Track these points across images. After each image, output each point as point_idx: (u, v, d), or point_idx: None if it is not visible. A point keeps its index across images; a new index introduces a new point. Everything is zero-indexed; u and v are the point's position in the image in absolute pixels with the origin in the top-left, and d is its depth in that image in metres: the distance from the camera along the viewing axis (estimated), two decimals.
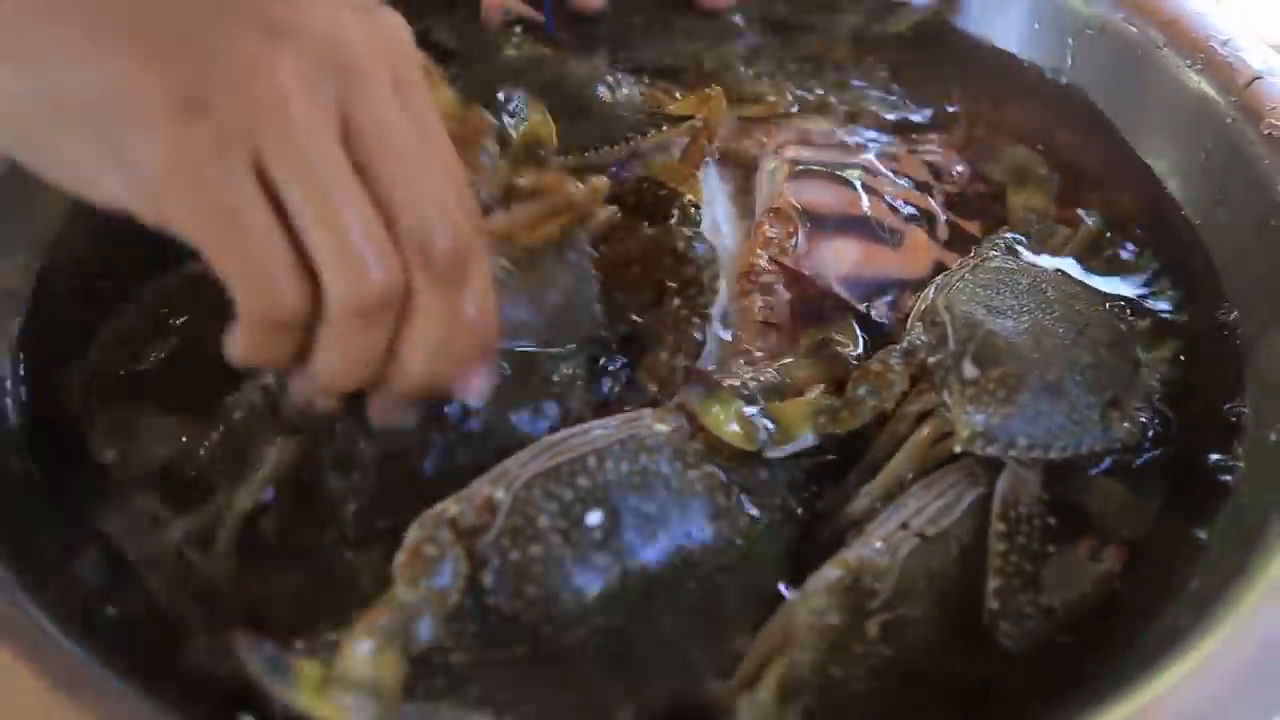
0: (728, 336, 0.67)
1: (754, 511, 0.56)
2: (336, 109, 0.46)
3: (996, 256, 0.65)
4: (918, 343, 0.59)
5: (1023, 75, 0.84)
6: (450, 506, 0.51)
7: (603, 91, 0.75)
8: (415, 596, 0.48)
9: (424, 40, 0.84)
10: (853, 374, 0.59)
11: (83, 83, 0.44)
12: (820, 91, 0.80)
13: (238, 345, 0.49)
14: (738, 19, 0.87)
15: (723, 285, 0.67)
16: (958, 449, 0.55)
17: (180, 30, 0.45)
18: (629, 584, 0.51)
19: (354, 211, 0.46)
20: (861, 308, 0.67)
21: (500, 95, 0.68)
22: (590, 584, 0.51)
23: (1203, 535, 0.58)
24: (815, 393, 0.60)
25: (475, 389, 0.54)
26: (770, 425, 0.57)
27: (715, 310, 0.67)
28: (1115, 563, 0.57)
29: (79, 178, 0.47)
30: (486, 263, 0.52)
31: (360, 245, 0.46)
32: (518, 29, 0.85)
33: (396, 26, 0.51)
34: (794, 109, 0.79)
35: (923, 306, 0.62)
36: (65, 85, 0.45)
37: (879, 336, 0.66)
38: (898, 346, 0.60)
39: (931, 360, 0.59)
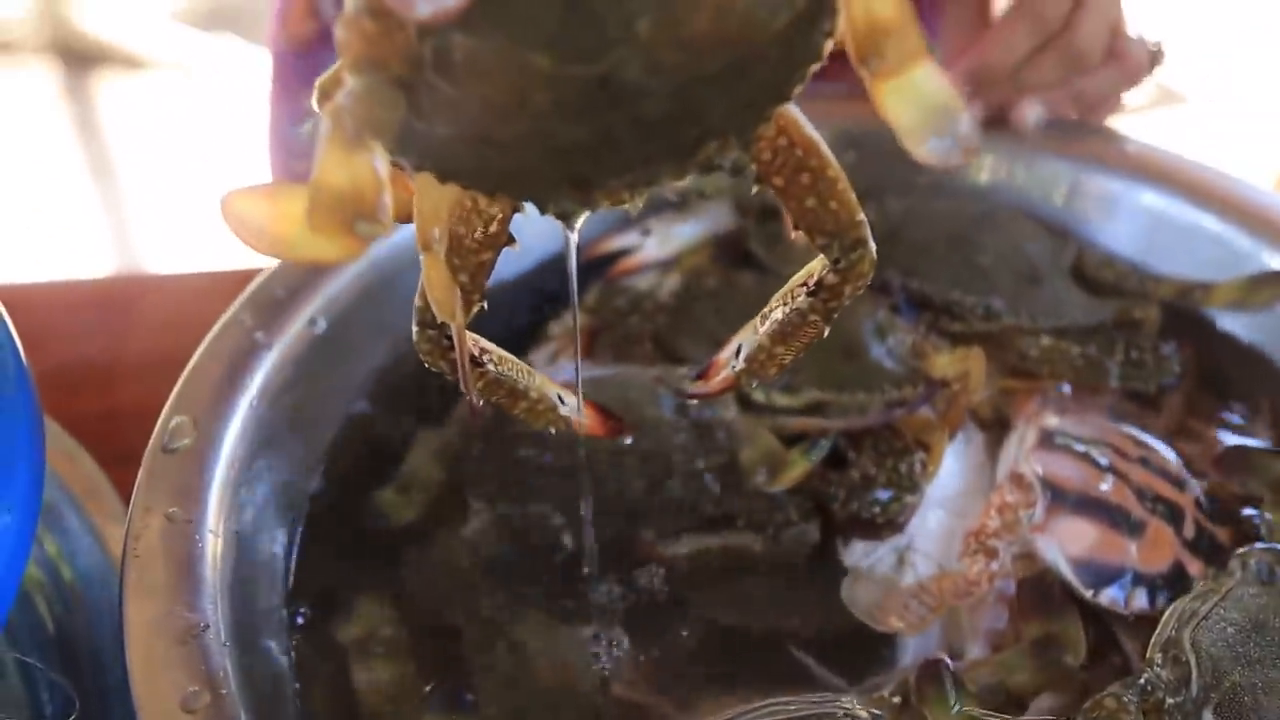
0: (936, 590, 0.67)
1: None
2: None
3: (1248, 585, 0.63)
4: (1157, 681, 0.58)
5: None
6: None
7: (874, 334, 0.76)
8: None
9: (738, 247, 0.88)
10: (1085, 707, 0.57)
11: None
12: (1105, 361, 0.79)
13: None
14: (1041, 262, 0.85)
15: (946, 537, 0.70)
16: None
17: None
18: None
19: None
20: (1088, 594, 0.66)
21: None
22: None
23: None
24: (1043, 701, 0.60)
25: None
26: None
27: (929, 561, 0.69)
28: None
29: None
30: None
31: None
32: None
33: None
34: (1065, 389, 0.77)
35: (1166, 636, 0.60)
36: None
37: (1102, 629, 0.65)
38: (1134, 681, 0.58)
39: (1170, 702, 0.57)
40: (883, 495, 0.69)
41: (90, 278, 1.23)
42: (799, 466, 0.69)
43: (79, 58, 2.76)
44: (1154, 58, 0.88)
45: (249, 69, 2.64)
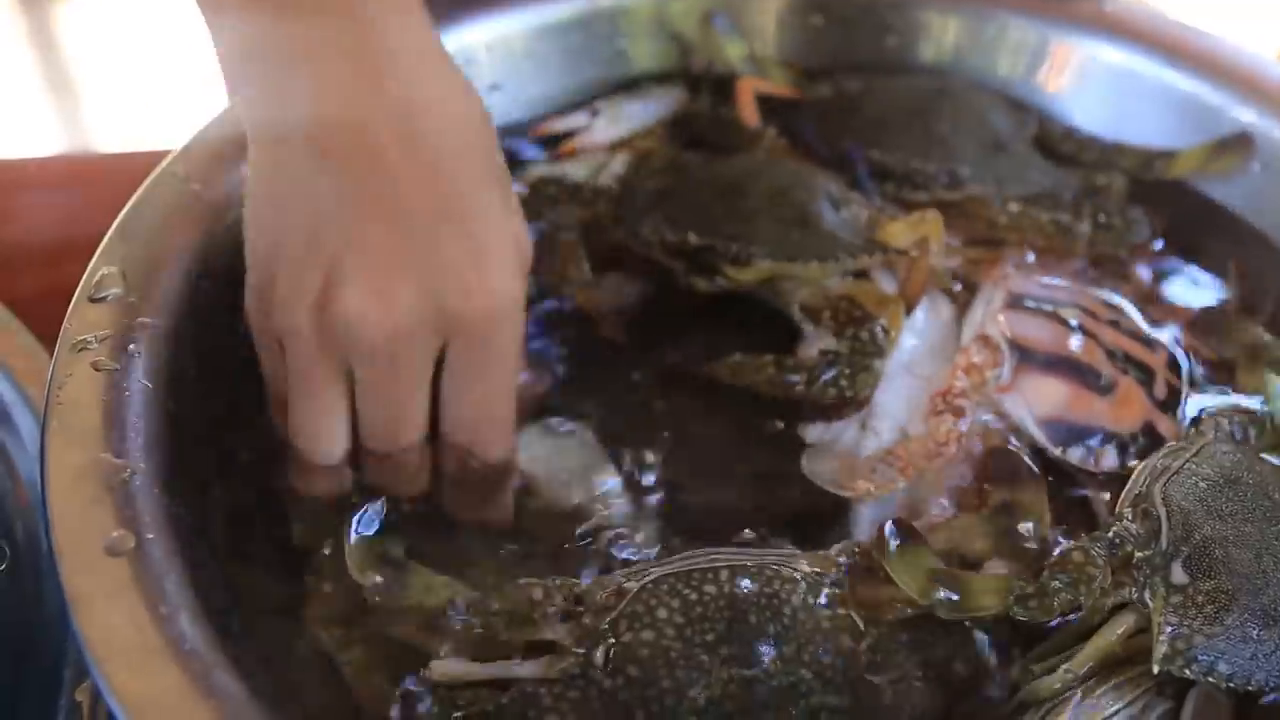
0: (904, 453, 0.65)
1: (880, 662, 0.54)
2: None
3: (1221, 443, 0.61)
4: (1126, 534, 0.56)
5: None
6: (589, 585, 0.55)
7: (828, 207, 0.73)
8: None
9: (683, 127, 0.85)
10: (1051, 559, 0.56)
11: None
12: (1074, 226, 0.76)
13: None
14: (1004, 132, 0.82)
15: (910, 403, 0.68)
16: (1155, 669, 0.52)
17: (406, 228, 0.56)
18: (731, 693, 0.52)
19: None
20: (1056, 451, 0.64)
21: None
22: (692, 681, 0.51)
23: None
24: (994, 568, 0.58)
25: None
26: (949, 592, 0.55)
27: (892, 424, 0.67)
28: None
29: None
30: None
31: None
32: (773, 131, 0.82)
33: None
34: (1030, 259, 0.75)
35: (1136, 491, 0.58)
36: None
37: (1068, 487, 0.64)
38: (1103, 535, 0.56)
39: (1139, 555, 0.55)
40: (829, 374, 0.67)
41: (37, 156, 1.18)
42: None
43: None
44: None
45: None
